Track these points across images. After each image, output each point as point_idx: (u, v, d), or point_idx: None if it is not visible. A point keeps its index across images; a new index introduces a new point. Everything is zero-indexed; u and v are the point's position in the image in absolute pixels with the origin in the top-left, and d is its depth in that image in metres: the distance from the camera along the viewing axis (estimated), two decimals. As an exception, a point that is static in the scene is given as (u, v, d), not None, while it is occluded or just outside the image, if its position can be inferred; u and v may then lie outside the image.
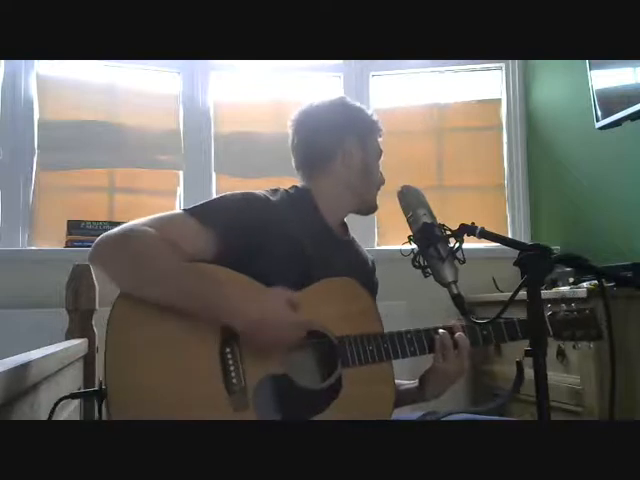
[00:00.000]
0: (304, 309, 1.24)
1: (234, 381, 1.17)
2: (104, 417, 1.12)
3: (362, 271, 1.47)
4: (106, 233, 1.22)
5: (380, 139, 1.51)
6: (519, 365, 1.16)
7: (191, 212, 1.27)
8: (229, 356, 1.18)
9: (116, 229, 1.22)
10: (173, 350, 1.15)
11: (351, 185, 1.44)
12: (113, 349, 1.13)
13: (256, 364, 1.19)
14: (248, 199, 1.32)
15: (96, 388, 1.17)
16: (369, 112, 1.51)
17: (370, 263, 1.54)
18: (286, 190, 1.42)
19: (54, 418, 1.12)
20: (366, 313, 1.31)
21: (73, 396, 1.21)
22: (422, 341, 1.30)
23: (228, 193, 1.34)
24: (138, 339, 1.15)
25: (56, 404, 1.14)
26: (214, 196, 3.12)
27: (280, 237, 1.29)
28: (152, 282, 1.16)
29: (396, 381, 1.36)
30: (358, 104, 1.52)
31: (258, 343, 1.18)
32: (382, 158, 1.52)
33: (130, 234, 1.20)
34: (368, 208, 1.50)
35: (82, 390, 1.43)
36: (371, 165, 1.47)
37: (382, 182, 1.50)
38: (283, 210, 1.34)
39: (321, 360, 1.27)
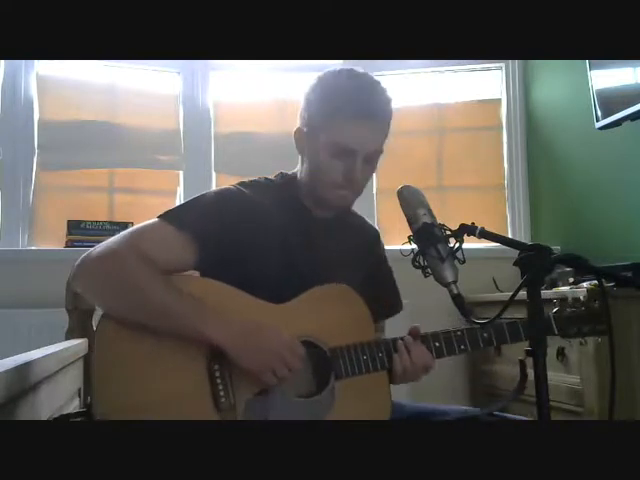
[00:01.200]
0: (296, 319, 1.22)
1: (222, 399, 1.15)
2: None
3: (357, 249, 1.40)
4: (85, 256, 1.19)
5: (354, 133, 1.25)
6: (522, 364, 1.15)
7: (166, 218, 1.23)
8: (217, 373, 1.15)
9: (95, 251, 1.18)
10: (160, 369, 1.14)
11: (305, 181, 1.33)
12: (99, 371, 1.13)
13: (246, 379, 1.16)
14: (220, 197, 1.28)
15: (84, 409, 1.15)
16: (342, 91, 1.26)
17: (370, 235, 1.47)
18: (268, 178, 1.37)
19: (58, 403, 1.12)
20: (359, 321, 1.27)
21: (62, 418, 1.18)
22: None
23: (203, 193, 1.30)
24: (124, 359, 1.13)
25: None
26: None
27: (258, 231, 1.26)
28: (134, 308, 1.15)
29: None
30: (345, 77, 1.28)
31: (247, 363, 1.14)
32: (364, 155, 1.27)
33: (109, 258, 1.17)
34: (329, 207, 1.34)
35: (70, 412, 1.42)
36: (319, 164, 1.28)
37: (347, 185, 1.28)
38: (260, 201, 1.29)
39: (314, 372, 1.23)
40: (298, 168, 1.38)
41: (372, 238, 1.48)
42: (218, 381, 1.15)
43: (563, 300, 1.34)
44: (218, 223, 1.23)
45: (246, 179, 1.37)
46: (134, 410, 1.10)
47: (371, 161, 1.30)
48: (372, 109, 1.27)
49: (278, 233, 1.28)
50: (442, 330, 1.28)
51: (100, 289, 1.18)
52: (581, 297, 1.33)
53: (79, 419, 1.16)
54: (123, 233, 1.22)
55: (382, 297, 1.40)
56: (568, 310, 1.31)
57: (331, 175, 1.27)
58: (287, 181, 1.37)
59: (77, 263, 1.19)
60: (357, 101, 1.24)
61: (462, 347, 1.27)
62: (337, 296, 1.27)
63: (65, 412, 1.39)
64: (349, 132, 1.24)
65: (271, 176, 1.39)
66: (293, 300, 1.24)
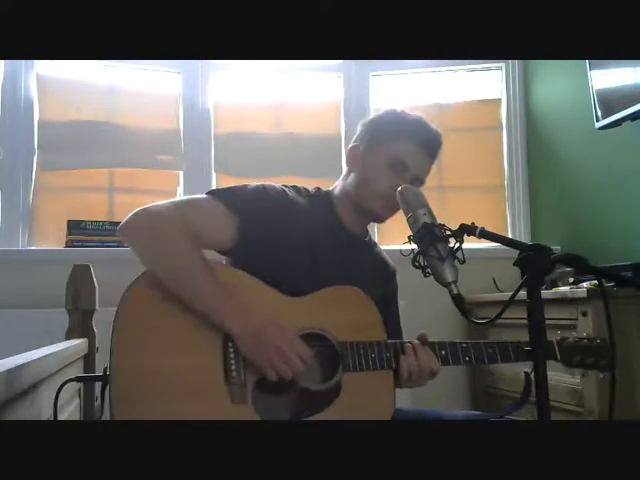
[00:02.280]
0: (308, 312, 1.27)
1: (234, 374, 1.19)
2: (106, 402, 1.14)
3: (377, 274, 1.49)
4: (142, 210, 1.27)
5: (411, 153, 1.40)
6: (527, 376, 1.15)
7: (216, 195, 1.33)
8: (231, 350, 1.21)
9: (149, 209, 1.26)
10: (178, 338, 1.19)
11: (349, 191, 1.44)
12: (120, 332, 1.16)
13: None
14: (264, 187, 1.37)
15: (101, 374, 1.18)
16: (408, 121, 1.44)
17: (390, 268, 1.54)
18: (307, 189, 1.46)
19: (63, 412, 1.13)
20: (370, 323, 1.31)
21: (78, 379, 1.23)
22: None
23: (251, 184, 1.39)
24: (145, 324, 1.19)
25: (61, 387, 1.16)
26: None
27: (293, 227, 1.33)
28: (169, 277, 1.21)
29: None
30: (413, 115, 1.46)
31: (250, 355, 1.19)
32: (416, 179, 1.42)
33: (159, 221, 1.25)
34: (370, 217, 1.46)
35: (88, 374, 1.45)
36: (373, 173, 1.41)
37: (391, 197, 1.30)
38: (299, 207, 1.38)
39: (323, 363, 1.28)
40: (338, 184, 1.49)
41: (392, 272, 1.55)
42: (232, 357, 1.20)
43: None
44: (261, 209, 1.33)
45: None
46: (146, 373, 1.14)
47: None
48: (432, 143, 1.44)
49: (310, 235, 1.36)
50: (449, 340, 1.32)
51: (142, 248, 1.26)
52: (585, 334, 1.35)
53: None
54: (176, 200, 1.33)
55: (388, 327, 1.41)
56: (571, 340, 1.34)
57: (381, 184, 1.39)
58: (324, 194, 1.47)
59: (131, 214, 1.27)
60: (421, 132, 1.43)
61: (467, 359, 1.31)
62: (352, 298, 1.32)
63: (65, 412, 1.39)
64: (409, 151, 1.40)
65: (308, 187, 1.48)
66: (309, 295, 1.29)
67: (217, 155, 2.98)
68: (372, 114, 1.54)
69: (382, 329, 1.31)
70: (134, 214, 1.27)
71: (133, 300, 1.20)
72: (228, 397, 1.17)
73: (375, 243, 1.55)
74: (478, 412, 1.44)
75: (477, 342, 1.32)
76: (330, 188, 1.50)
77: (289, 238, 1.33)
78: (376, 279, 1.46)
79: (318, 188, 1.49)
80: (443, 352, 1.30)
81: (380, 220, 1.47)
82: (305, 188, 1.47)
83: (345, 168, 1.51)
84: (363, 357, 1.25)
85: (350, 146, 1.48)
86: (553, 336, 1.34)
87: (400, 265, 1.47)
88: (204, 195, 1.35)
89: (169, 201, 1.30)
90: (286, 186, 1.42)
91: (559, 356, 1.32)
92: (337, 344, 1.26)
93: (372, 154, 1.42)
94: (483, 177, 3.16)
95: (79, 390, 1.66)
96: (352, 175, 1.45)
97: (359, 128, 1.51)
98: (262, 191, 1.36)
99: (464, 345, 1.31)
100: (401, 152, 1.40)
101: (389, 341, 1.29)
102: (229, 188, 1.37)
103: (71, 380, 1.20)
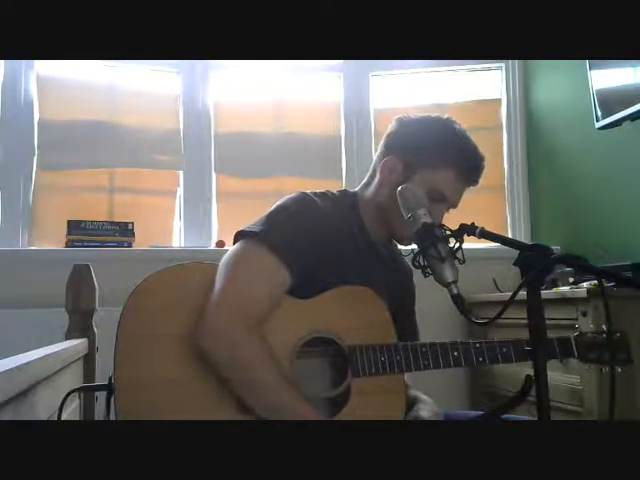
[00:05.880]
0: (317, 315, 1.23)
1: None
2: (112, 410, 1.13)
3: (396, 281, 1.44)
4: (203, 332, 1.15)
5: (452, 185, 1.37)
6: (528, 380, 1.14)
7: (267, 244, 1.22)
8: None
9: (211, 323, 1.14)
10: (183, 347, 1.15)
11: (379, 205, 1.37)
12: (123, 341, 1.14)
13: None
14: (302, 211, 1.28)
15: (106, 383, 1.17)
16: (454, 144, 1.39)
17: (408, 272, 1.50)
18: (333, 193, 1.40)
19: (63, 412, 1.13)
20: (380, 324, 1.27)
21: (82, 389, 1.21)
22: (437, 355, 1.24)
23: (283, 205, 1.29)
24: (149, 332, 1.16)
25: (66, 397, 1.15)
26: (214, 196, 3.08)
27: (324, 245, 1.27)
28: (249, 394, 1.15)
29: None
30: (461, 134, 1.43)
31: None
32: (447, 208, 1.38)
33: (224, 342, 1.14)
34: (395, 238, 1.40)
35: (93, 384, 1.43)
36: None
37: None
38: (329, 215, 1.31)
39: (331, 368, 1.25)
40: (367, 188, 1.40)
41: (410, 272, 1.50)
42: None
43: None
44: (304, 240, 1.24)
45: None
46: (152, 381, 1.13)
47: None
48: (475, 175, 1.43)
49: (340, 248, 1.31)
50: (439, 343, 1.27)
51: (218, 368, 1.16)
52: (603, 326, 1.31)
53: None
54: (228, 287, 1.17)
55: (406, 332, 1.39)
56: (589, 335, 1.31)
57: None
58: (350, 201, 1.39)
59: (199, 335, 1.15)
60: (466, 162, 1.39)
61: (458, 363, 1.26)
62: (361, 297, 1.27)
63: (65, 412, 1.39)
64: (450, 183, 1.37)
65: (333, 190, 1.41)
66: (317, 297, 1.24)
67: (217, 155, 2.98)
68: (413, 114, 1.43)
69: (392, 329, 1.27)
70: (213, 332, 1.14)
71: (136, 307, 1.17)
72: (234, 406, 1.14)
73: (396, 248, 1.50)
74: (478, 412, 1.42)
75: (467, 343, 1.27)
76: (357, 189, 1.43)
77: (323, 256, 1.27)
78: (398, 285, 1.43)
79: (345, 191, 1.42)
80: (426, 361, 1.24)
81: (404, 244, 1.41)
82: (327, 192, 1.39)
83: (374, 175, 1.41)
84: (373, 361, 1.22)
85: (389, 157, 1.37)
86: (555, 335, 1.31)
87: (400, 265, 1.47)
88: (255, 247, 1.22)
89: (221, 291, 1.16)
90: (316, 194, 1.34)
91: (576, 353, 1.28)
92: (346, 348, 1.22)
93: (410, 177, 1.33)
94: (483, 177, 3.15)
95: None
96: (385, 188, 1.35)
97: (397, 127, 1.40)
98: (302, 218, 1.27)
99: (455, 354, 1.25)
100: (442, 184, 1.35)
101: (400, 343, 1.25)
102: (276, 231, 1.24)
103: (75, 390, 1.18)
